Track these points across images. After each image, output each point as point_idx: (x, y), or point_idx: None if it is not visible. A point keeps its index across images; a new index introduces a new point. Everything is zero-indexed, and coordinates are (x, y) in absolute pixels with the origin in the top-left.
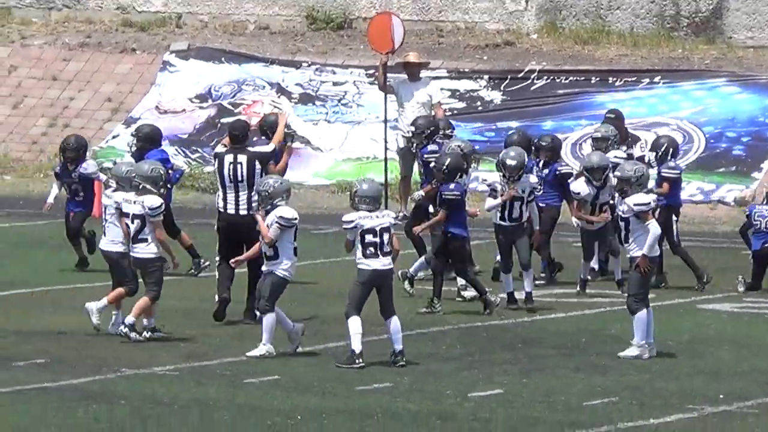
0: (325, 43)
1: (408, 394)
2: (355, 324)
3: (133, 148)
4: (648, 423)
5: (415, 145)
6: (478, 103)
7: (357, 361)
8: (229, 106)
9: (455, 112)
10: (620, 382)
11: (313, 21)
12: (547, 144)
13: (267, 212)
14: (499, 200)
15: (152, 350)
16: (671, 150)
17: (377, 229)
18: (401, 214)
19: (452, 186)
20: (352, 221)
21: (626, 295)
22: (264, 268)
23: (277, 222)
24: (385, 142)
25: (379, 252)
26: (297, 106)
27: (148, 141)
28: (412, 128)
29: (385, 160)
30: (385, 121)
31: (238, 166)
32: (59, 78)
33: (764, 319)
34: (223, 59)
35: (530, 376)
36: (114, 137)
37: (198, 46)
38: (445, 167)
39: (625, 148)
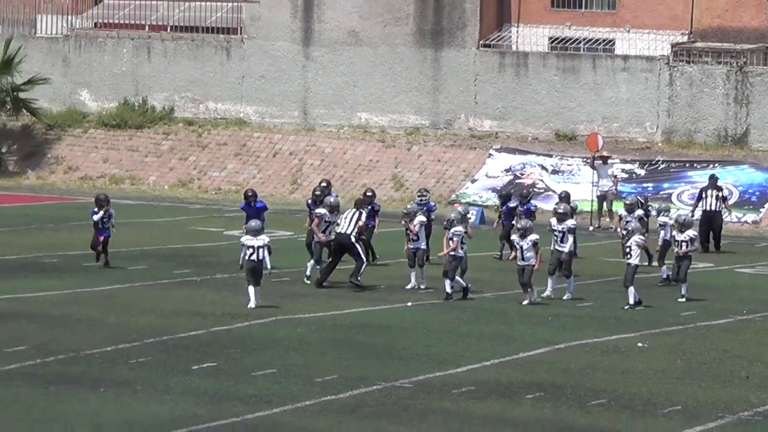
0: (563, 145)
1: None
2: None
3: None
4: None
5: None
6: (634, 175)
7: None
8: (519, 175)
9: (622, 179)
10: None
11: (558, 136)
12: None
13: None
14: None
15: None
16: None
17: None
18: (592, 228)
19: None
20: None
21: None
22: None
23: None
24: (591, 191)
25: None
26: (552, 175)
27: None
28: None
29: (592, 201)
30: (593, 184)
31: (356, 214)
32: (441, 160)
33: None
34: (516, 153)
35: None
36: (466, 188)
37: (504, 147)
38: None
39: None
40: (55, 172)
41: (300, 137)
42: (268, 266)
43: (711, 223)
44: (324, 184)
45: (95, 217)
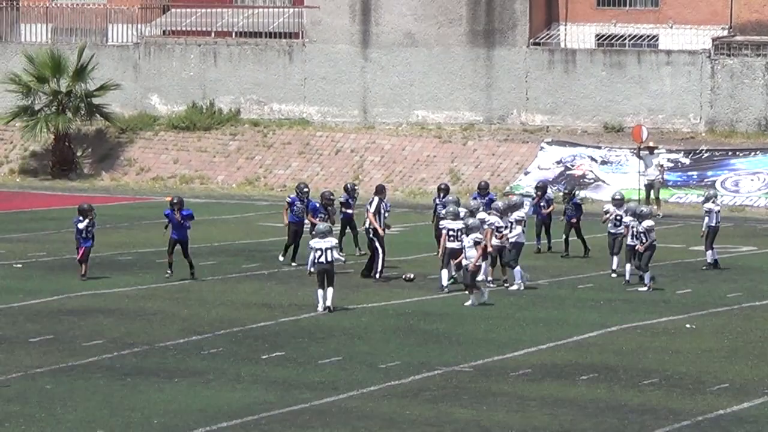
0: (611, 137)
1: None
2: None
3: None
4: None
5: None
6: (679, 164)
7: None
8: (570, 166)
9: (668, 168)
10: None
11: (606, 128)
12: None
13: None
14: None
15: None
16: None
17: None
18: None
19: None
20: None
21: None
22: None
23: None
24: (639, 180)
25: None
26: (601, 166)
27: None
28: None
29: (639, 190)
30: (639, 172)
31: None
32: (495, 154)
33: None
34: (566, 145)
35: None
36: (519, 180)
37: (555, 140)
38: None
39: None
40: (127, 174)
41: (360, 135)
42: (342, 260)
43: None
44: (354, 185)
45: (80, 226)
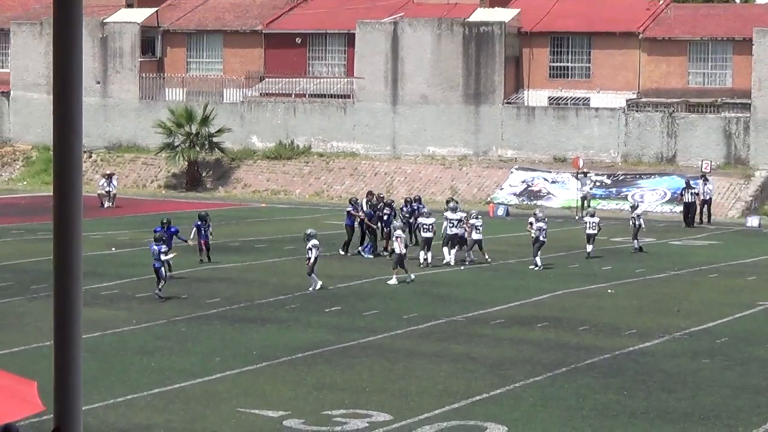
0: (558, 165)
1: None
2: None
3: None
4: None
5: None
6: (603, 184)
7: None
8: (530, 184)
9: (593, 187)
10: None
11: (555, 159)
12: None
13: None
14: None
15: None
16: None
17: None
18: (577, 217)
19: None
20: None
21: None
22: None
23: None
24: (576, 194)
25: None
26: (552, 184)
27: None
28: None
29: (577, 200)
30: (577, 189)
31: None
32: (480, 176)
33: None
34: (528, 170)
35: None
36: (496, 193)
37: (521, 167)
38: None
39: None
40: (236, 188)
41: (391, 163)
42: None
43: (689, 209)
44: (356, 199)
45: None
